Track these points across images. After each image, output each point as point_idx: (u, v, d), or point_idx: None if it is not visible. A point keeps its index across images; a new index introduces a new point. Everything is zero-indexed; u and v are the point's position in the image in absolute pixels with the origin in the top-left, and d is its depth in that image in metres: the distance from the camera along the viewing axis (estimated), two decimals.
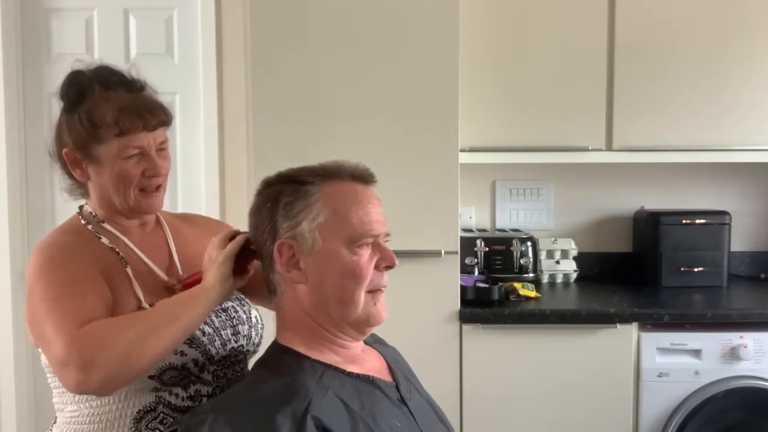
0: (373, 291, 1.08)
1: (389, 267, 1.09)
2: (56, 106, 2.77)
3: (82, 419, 1.17)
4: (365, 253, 1.07)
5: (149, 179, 1.21)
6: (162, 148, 1.23)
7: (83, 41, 2.62)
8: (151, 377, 1.13)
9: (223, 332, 1.21)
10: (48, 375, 1.20)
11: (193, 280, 1.19)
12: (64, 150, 1.21)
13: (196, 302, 1.10)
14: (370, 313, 1.08)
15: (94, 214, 1.25)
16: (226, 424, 0.95)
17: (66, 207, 2.67)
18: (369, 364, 1.15)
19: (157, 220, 1.31)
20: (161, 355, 1.07)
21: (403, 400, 1.12)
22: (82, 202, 1.29)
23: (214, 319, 1.21)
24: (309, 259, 1.07)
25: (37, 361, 2.66)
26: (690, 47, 2.39)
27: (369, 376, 1.10)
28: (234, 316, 1.25)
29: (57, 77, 2.61)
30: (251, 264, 1.17)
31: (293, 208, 1.07)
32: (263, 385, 1.02)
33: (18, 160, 2.60)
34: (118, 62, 2.79)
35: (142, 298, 1.17)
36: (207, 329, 1.19)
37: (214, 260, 1.13)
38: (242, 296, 1.31)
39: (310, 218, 1.06)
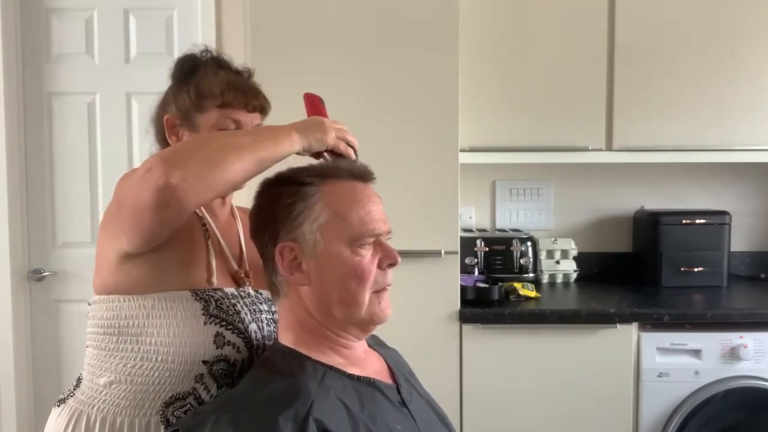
0: (378, 290, 1.08)
1: (392, 265, 1.08)
2: (56, 106, 2.77)
3: (116, 392, 1.14)
4: (367, 253, 1.06)
5: None
6: None
7: (83, 41, 2.62)
8: (204, 362, 1.13)
9: (267, 343, 1.21)
10: (92, 333, 1.16)
11: None
12: (166, 116, 1.25)
13: (280, 144, 1.10)
14: (374, 313, 1.07)
15: None
16: (228, 425, 0.95)
17: (66, 207, 2.69)
18: (370, 366, 1.14)
19: (231, 212, 1.33)
20: (235, 173, 1.04)
21: (403, 403, 1.12)
22: None
23: (264, 326, 1.21)
24: (311, 261, 1.06)
25: (37, 361, 2.66)
26: (690, 47, 2.39)
27: (370, 378, 1.09)
28: None
29: (57, 77, 2.65)
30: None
31: (293, 210, 1.06)
32: (265, 386, 1.02)
33: (18, 160, 2.60)
34: (118, 62, 2.80)
35: (215, 272, 1.18)
36: (258, 335, 1.19)
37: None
38: None
39: (311, 219, 1.05)
